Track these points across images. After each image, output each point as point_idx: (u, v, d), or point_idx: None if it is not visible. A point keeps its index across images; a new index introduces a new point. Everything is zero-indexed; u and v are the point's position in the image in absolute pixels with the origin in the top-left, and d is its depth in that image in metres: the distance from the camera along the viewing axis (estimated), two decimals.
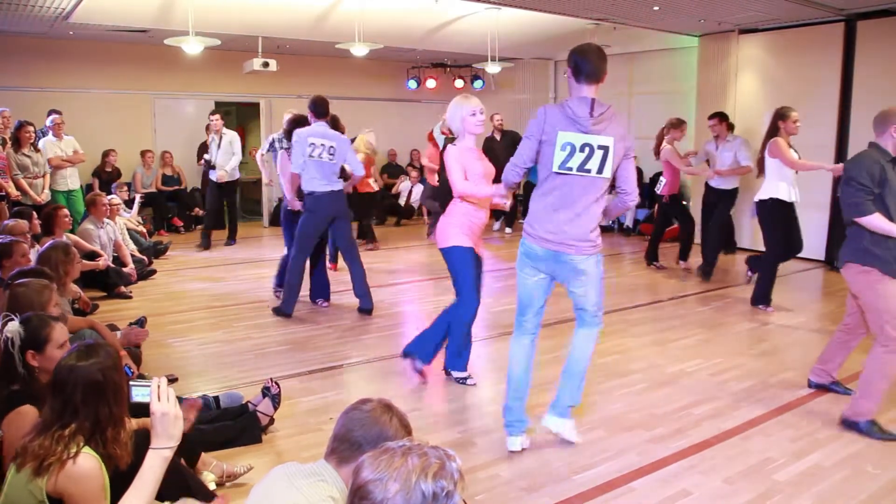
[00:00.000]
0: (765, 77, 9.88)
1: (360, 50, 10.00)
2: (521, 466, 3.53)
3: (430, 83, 13.42)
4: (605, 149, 3.32)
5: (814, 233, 8.55)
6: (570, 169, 3.35)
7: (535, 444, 3.74)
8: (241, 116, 14.49)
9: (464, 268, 4.41)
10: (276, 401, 3.86)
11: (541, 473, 3.46)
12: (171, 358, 5.16)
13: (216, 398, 3.96)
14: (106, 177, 10.50)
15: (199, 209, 11.59)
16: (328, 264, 7.60)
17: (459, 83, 13.36)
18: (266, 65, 9.93)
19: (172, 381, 4.51)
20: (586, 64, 3.38)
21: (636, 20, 9.67)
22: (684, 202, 9.24)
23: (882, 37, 8.77)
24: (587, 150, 3.32)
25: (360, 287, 6.36)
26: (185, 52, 9.09)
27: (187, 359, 5.19)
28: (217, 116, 9.89)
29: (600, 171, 3.35)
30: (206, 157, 10.03)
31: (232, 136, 9.92)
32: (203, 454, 3.28)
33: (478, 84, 13.06)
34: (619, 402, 4.38)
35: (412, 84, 13.44)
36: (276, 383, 3.91)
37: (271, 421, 3.86)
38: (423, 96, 13.63)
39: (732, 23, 9.74)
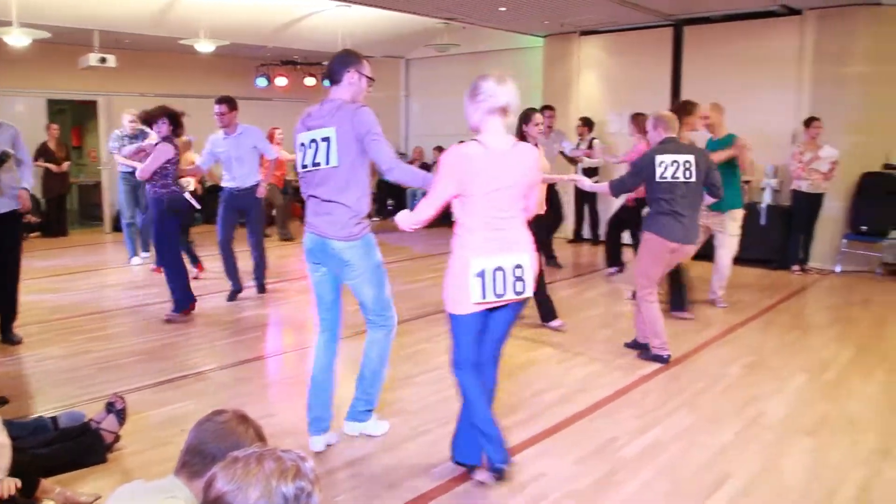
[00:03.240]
0: (604, 76, 10.45)
1: (205, 46, 9.65)
2: (380, 464, 3.54)
3: (281, 81, 13.15)
4: (328, 139, 3.42)
5: None
6: (306, 167, 3.50)
7: (393, 441, 3.76)
8: (77, 115, 13.55)
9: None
10: (121, 416, 3.66)
11: (400, 469, 3.49)
12: (1, 378, 4.76)
13: (54, 419, 3.69)
14: None
15: (32, 217, 10.78)
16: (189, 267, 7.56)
17: (310, 81, 13.18)
18: (103, 60, 9.34)
19: (2, 403, 4.18)
20: (329, 66, 3.57)
21: (484, 20, 9.94)
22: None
23: (704, 41, 9.61)
24: (314, 144, 3.46)
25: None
26: (10, 45, 8.40)
27: (20, 378, 4.81)
28: None
29: (328, 161, 3.43)
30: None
31: None
32: (43, 481, 3.06)
33: (328, 82, 12.92)
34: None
35: (262, 82, 13.11)
36: (122, 398, 3.71)
37: (117, 438, 3.65)
38: (274, 95, 13.31)
39: (574, 25, 10.23)
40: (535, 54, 11.42)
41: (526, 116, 5.51)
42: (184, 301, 6.15)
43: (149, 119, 6.30)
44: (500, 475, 3.25)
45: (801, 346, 5.61)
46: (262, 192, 6.97)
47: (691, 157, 4.90)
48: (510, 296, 3.10)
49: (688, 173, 4.87)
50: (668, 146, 4.94)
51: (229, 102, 6.63)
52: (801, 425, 4.06)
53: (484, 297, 3.07)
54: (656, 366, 5.02)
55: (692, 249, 5.28)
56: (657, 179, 4.88)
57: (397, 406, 4.25)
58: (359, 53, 3.58)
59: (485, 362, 3.30)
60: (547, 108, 8.82)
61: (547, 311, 5.92)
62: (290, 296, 7.25)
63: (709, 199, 5.25)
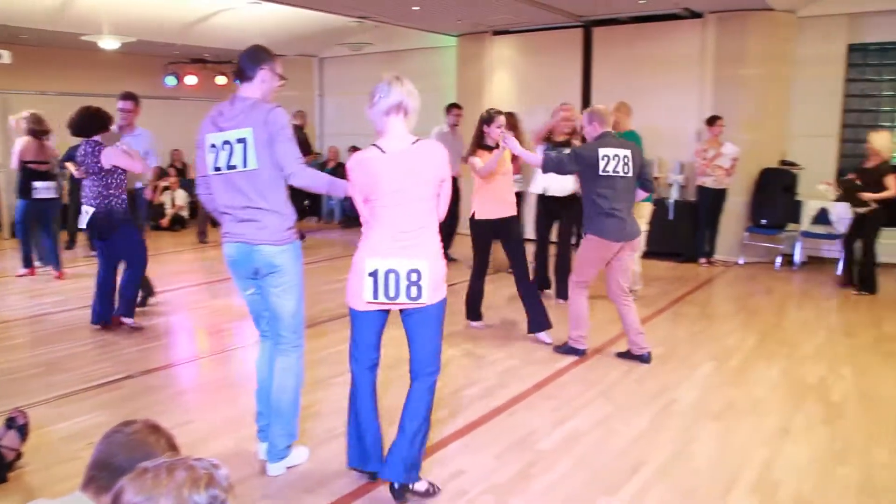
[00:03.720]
0: (517, 75, 10.60)
1: (109, 43, 9.29)
2: (297, 469, 3.49)
3: (191, 80, 12.78)
4: (244, 141, 3.24)
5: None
6: (220, 169, 3.29)
7: (309, 445, 3.71)
8: None
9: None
10: (23, 432, 3.47)
11: (318, 473, 3.45)
12: None
13: None
14: None
15: None
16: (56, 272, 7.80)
17: (221, 80, 12.86)
18: None
19: None
20: (239, 63, 3.41)
21: (397, 19, 9.94)
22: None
23: (613, 42, 9.90)
24: (228, 146, 3.26)
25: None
26: None
27: None
28: None
29: (245, 163, 3.25)
30: None
31: None
32: None
33: (238, 80, 12.65)
34: (395, 393, 4.47)
35: (171, 81, 12.70)
36: (23, 412, 3.52)
37: (19, 455, 3.47)
38: (183, 93, 12.93)
39: (487, 24, 10.34)
40: (449, 53, 11.49)
41: (489, 118, 5.52)
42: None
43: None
44: (397, 495, 3.12)
45: (708, 336, 5.85)
46: (149, 195, 6.65)
47: (628, 152, 4.89)
48: (403, 300, 3.03)
49: (626, 168, 4.86)
50: (608, 140, 4.91)
51: (135, 99, 6.37)
52: (709, 410, 4.24)
53: (375, 297, 3.04)
54: (573, 359, 5.14)
55: (637, 243, 5.23)
56: (600, 172, 4.81)
57: (313, 409, 4.20)
58: (270, 50, 3.47)
59: (414, 376, 3.23)
60: (454, 106, 8.90)
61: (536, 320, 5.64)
62: (203, 302, 7.06)
63: (641, 194, 5.19)
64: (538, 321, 5.55)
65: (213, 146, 3.30)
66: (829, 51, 8.97)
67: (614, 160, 4.82)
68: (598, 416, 4.13)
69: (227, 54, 12.19)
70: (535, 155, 5.18)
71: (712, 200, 8.78)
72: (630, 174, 4.89)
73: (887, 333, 5.96)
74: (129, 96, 6.34)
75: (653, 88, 9.49)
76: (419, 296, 3.03)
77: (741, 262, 9.05)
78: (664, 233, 8.94)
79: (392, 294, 3.02)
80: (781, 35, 8.97)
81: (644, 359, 5.06)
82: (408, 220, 3.05)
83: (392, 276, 3.01)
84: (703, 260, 8.96)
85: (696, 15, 9.28)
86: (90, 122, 5.62)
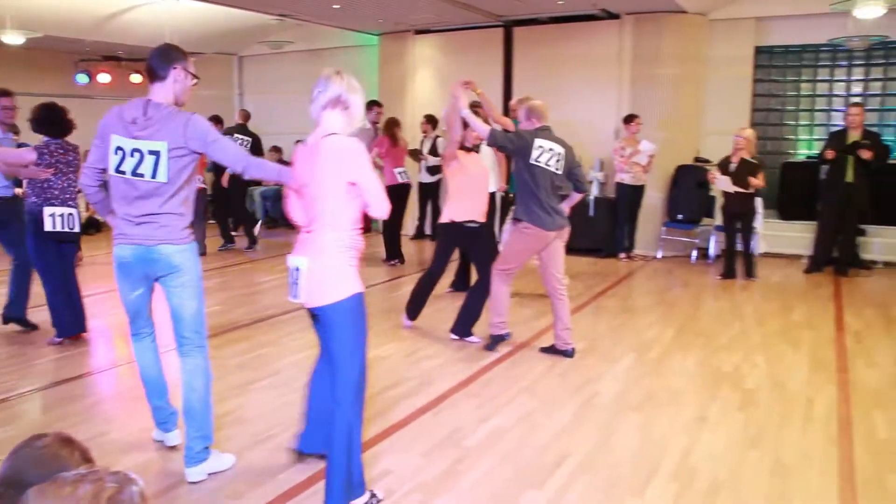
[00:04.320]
0: (439, 75, 10.64)
1: (13, 38, 8.87)
2: (223, 476, 3.41)
3: (104, 78, 12.35)
4: (157, 154, 3.15)
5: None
6: (123, 173, 3.20)
7: (234, 451, 3.61)
8: None
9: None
10: None
11: (243, 477, 3.38)
12: None
13: None
14: None
15: None
16: None
17: (136, 78, 12.45)
18: None
19: None
20: (149, 62, 3.31)
21: (318, 17, 9.84)
22: None
23: (533, 42, 10.06)
24: (138, 154, 3.16)
25: None
26: None
27: None
28: None
29: (154, 175, 3.16)
30: None
31: None
32: None
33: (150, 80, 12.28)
34: None
35: (82, 78, 12.25)
36: None
37: None
38: (96, 92, 12.45)
39: (408, 23, 10.34)
40: (371, 52, 11.44)
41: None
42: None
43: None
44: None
45: (628, 329, 6.01)
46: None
47: (562, 150, 4.98)
48: (290, 297, 2.98)
49: (558, 165, 4.95)
50: (545, 133, 4.98)
51: (12, 96, 5.96)
52: (630, 402, 4.35)
53: (291, 295, 2.97)
54: (497, 355, 5.18)
55: (566, 234, 5.29)
56: (531, 160, 4.87)
57: (236, 415, 4.11)
58: (182, 49, 3.38)
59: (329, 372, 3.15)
60: (375, 104, 8.91)
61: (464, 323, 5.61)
62: (118, 307, 6.81)
63: (576, 196, 5.22)
64: (466, 328, 5.58)
65: (121, 149, 3.19)
66: (739, 52, 9.35)
67: (548, 153, 4.91)
68: (522, 411, 4.19)
69: (143, 52, 11.68)
70: (484, 127, 4.98)
71: (631, 197, 9.03)
72: (560, 171, 4.99)
73: (796, 321, 6.25)
74: (7, 93, 5.94)
75: (572, 87, 9.69)
76: (296, 295, 2.94)
77: (659, 256, 9.33)
78: (585, 229, 9.14)
79: (292, 293, 2.97)
80: (694, 37, 9.29)
81: (568, 354, 5.16)
82: (308, 215, 2.99)
83: (291, 275, 2.96)
84: (622, 255, 9.20)
85: (613, 16, 9.52)
86: None
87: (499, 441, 3.77)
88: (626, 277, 8.23)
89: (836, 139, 8.09)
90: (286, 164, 3.43)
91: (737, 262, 8.06)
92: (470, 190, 5.53)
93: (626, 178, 8.95)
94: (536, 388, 4.59)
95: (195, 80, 3.39)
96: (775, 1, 8.97)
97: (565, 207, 5.16)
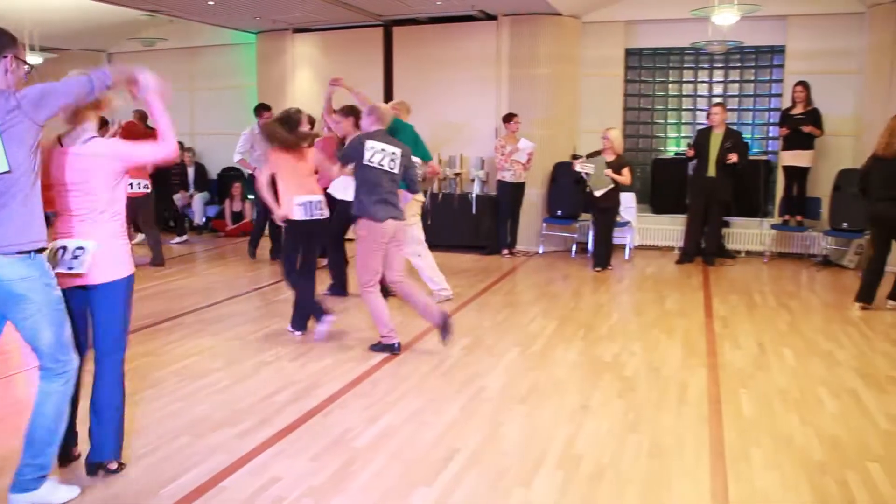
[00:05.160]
0: (319, 74, 10.50)
1: None
2: (105, 492, 3.22)
3: None
4: None
5: None
6: None
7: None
8: None
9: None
10: None
11: (126, 495, 3.21)
12: None
13: None
14: None
15: None
16: None
17: None
18: None
19: None
20: None
21: (191, 14, 9.49)
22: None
23: (413, 42, 10.12)
24: None
25: None
26: None
27: None
28: None
29: None
30: None
31: None
32: None
33: None
34: (203, 403, 4.28)
35: None
36: None
37: None
38: None
39: (286, 22, 10.14)
40: (248, 50, 11.14)
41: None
42: None
43: None
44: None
45: (512, 324, 6.14)
46: None
47: (398, 151, 5.23)
48: (63, 269, 3.17)
49: (392, 164, 5.19)
50: (377, 135, 5.22)
51: None
52: (515, 395, 4.45)
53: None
54: (384, 355, 5.18)
55: (402, 236, 5.35)
56: (364, 162, 5.12)
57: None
58: (12, 35, 2.97)
59: (100, 355, 3.35)
60: (265, 108, 8.78)
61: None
62: None
63: (407, 196, 5.56)
64: (302, 321, 5.73)
65: None
66: (610, 54, 9.76)
67: (380, 154, 5.15)
68: (410, 409, 4.19)
69: None
70: (330, 164, 5.64)
71: (512, 194, 9.24)
72: (395, 171, 5.23)
73: (670, 310, 6.58)
74: None
75: (452, 87, 9.81)
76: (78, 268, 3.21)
77: (541, 251, 9.60)
78: (468, 227, 9.32)
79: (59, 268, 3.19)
80: (568, 38, 9.61)
81: (394, 349, 5.26)
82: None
83: (61, 252, 3.22)
84: (505, 251, 9.40)
85: (490, 17, 9.71)
86: None
87: (389, 440, 3.76)
88: (509, 273, 8.41)
89: (702, 136, 8.60)
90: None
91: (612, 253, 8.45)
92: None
93: (506, 176, 9.15)
94: (424, 385, 4.61)
95: (28, 67, 3.07)
96: (643, 5, 9.43)
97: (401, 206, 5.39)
